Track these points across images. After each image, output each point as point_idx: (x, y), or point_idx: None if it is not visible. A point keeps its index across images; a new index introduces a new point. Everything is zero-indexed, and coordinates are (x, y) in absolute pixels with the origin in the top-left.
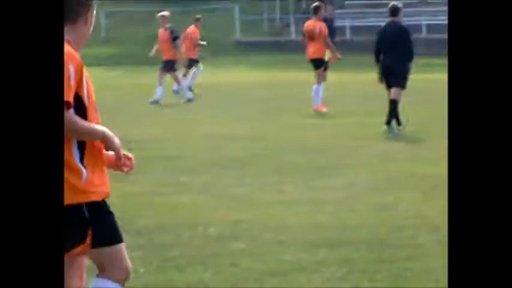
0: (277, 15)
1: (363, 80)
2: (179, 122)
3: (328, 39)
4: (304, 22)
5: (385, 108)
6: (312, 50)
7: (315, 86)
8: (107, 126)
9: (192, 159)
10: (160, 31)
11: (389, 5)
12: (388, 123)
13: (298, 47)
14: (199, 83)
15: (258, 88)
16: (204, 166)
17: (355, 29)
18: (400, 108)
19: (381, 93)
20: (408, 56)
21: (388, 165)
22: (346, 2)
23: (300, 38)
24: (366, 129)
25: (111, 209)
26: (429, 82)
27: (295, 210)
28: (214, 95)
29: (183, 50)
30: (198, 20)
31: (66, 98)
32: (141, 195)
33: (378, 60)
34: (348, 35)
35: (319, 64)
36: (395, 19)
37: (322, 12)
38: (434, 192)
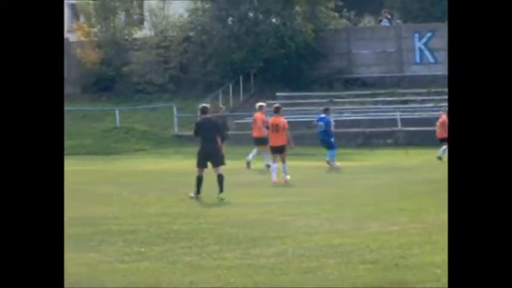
0: None
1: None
2: (131, 203)
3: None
4: (231, 119)
5: (307, 189)
6: (275, 140)
7: (274, 164)
8: (73, 207)
9: (147, 233)
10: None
11: (200, 106)
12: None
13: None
14: (145, 170)
15: (195, 174)
16: (158, 239)
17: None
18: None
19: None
20: (222, 141)
21: (311, 237)
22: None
23: (228, 132)
24: (290, 206)
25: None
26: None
27: (236, 274)
28: (158, 179)
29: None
30: (261, 107)
31: None
32: (106, 263)
33: None
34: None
35: (281, 149)
36: (207, 116)
37: (281, 111)
38: (350, 258)
